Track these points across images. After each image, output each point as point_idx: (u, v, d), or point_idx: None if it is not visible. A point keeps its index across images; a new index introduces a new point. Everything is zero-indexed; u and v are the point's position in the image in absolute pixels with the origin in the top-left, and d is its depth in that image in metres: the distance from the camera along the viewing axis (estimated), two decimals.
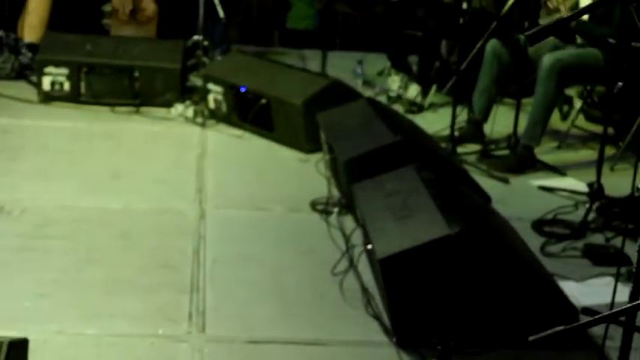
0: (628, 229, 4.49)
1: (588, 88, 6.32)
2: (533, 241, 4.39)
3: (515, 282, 3.33)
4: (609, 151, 5.76)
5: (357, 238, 4.10)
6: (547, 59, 5.46)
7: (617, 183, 4.91)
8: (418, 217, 3.52)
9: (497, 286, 3.33)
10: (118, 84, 6.19)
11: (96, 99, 6.19)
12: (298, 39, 8.81)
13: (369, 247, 3.59)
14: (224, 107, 5.97)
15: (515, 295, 3.34)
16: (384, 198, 3.82)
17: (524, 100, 5.95)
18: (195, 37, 6.52)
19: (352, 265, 3.96)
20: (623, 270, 4.09)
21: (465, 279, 3.32)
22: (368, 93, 6.66)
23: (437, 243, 3.29)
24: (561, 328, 1.97)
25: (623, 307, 1.86)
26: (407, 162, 4.12)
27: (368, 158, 4.37)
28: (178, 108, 6.13)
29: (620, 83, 1.67)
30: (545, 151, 5.92)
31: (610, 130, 5.83)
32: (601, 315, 1.91)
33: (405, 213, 3.60)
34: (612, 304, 2.58)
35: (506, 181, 5.35)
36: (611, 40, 5.09)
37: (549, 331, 1.95)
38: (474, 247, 3.29)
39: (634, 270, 2.22)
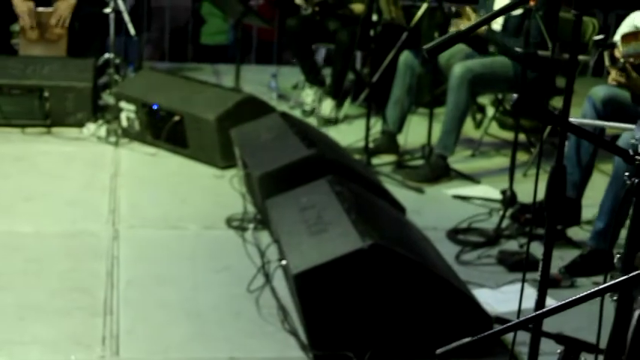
0: (539, 235, 4.57)
1: (500, 96, 6.40)
2: (449, 250, 4.43)
3: (427, 293, 3.35)
4: (522, 157, 5.85)
5: (272, 253, 4.07)
6: (457, 68, 5.52)
7: (530, 189, 4.97)
8: (332, 232, 3.51)
9: (410, 298, 3.34)
10: (28, 105, 6.08)
11: (6, 120, 6.07)
12: (212, 54, 8.78)
13: (284, 262, 3.57)
14: (137, 125, 5.90)
15: (429, 306, 3.35)
16: (297, 213, 3.82)
17: (438, 110, 6.00)
18: (107, 55, 6.43)
19: (268, 281, 3.94)
20: (534, 276, 4.16)
21: (379, 292, 3.33)
22: (283, 107, 6.66)
23: (350, 257, 3.29)
24: (468, 339, 1.98)
25: (528, 316, 1.88)
26: (321, 176, 4.12)
27: (282, 173, 4.36)
28: (90, 127, 6.05)
29: (514, 95, 1.69)
30: (460, 160, 5.98)
31: (522, 137, 5.92)
32: (506, 325, 1.92)
33: (319, 227, 3.59)
34: (519, 312, 2.60)
35: (420, 191, 5.39)
36: (519, 49, 5.16)
37: (456, 343, 1.96)
38: (387, 259, 3.29)
39: (539, 278, 2.24)
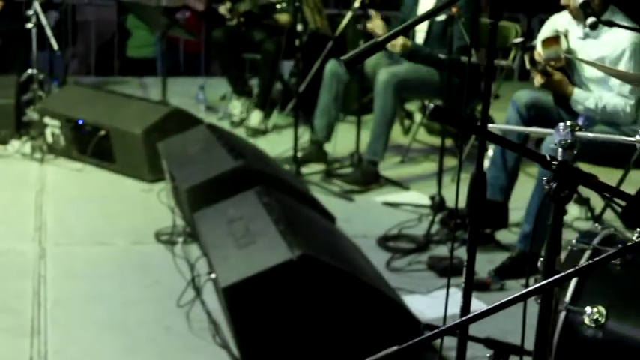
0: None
1: (427, 102, 6.45)
2: (379, 257, 4.44)
3: (357, 302, 3.35)
4: (450, 162, 5.89)
5: (202, 267, 4.04)
6: (382, 74, 5.56)
7: (459, 194, 5.01)
8: (260, 243, 3.50)
9: (340, 308, 3.34)
10: None
11: None
12: (139, 67, 8.72)
13: (213, 275, 3.55)
14: (62, 141, 5.83)
15: (359, 314, 3.35)
16: (225, 225, 3.79)
17: (366, 118, 6.03)
18: (30, 71, 6.34)
19: (198, 294, 3.91)
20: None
21: (309, 302, 3.32)
22: (211, 118, 6.64)
23: (279, 268, 3.27)
24: (395, 348, 1.98)
25: (453, 323, 1.88)
26: (248, 187, 4.10)
27: (209, 185, 4.33)
28: (15, 144, 5.96)
29: (431, 105, 1.70)
30: (389, 167, 6.01)
31: (450, 142, 5.98)
32: (432, 332, 1.92)
33: (247, 239, 3.57)
34: (445, 318, 2.61)
35: (350, 199, 5.40)
36: (442, 56, 5.21)
37: (383, 353, 1.96)
38: (316, 270, 3.29)
39: (463, 284, 2.25)
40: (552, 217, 1.94)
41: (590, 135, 2.36)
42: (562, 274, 1.82)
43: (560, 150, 2.23)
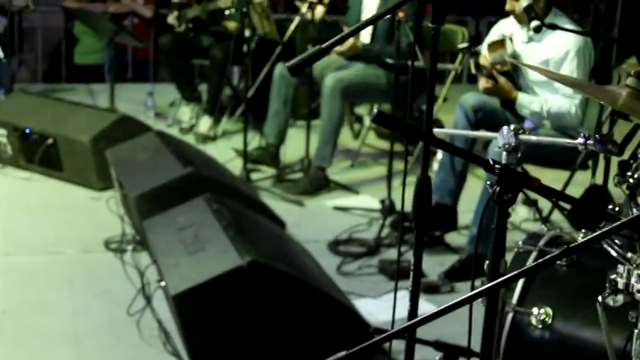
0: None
1: (376, 106, 6.47)
2: (330, 262, 4.45)
3: (307, 307, 3.36)
4: (400, 166, 5.91)
5: (152, 275, 4.02)
6: (329, 79, 5.58)
7: (408, 197, 5.03)
8: (210, 250, 3.49)
9: (291, 313, 3.34)
10: None
11: None
12: (87, 74, 8.64)
13: (163, 283, 3.53)
14: (9, 150, 5.77)
15: (310, 319, 3.36)
16: (175, 233, 3.78)
17: (316, 122, 6.04)
18: None
19: (148, 303, 3.89)
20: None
21: (260, 308, 3.32)
22: (160, 125, 6.61)
23: (229, 275, 3.27)
24: (343, 353, 1.98)
25: (401, 327, 1.89)
26: (198, 194, 4.09)
27: (158, 193, 4.31)
28: None
29: (374, 110, 1.72)
30: (339, 171, 6.03)
31: (400, 146, 6.00)
32: (381, 336, 1.93)
33: (197, 247, 3.56)
34: (393, 321, 2.63)
35: (300, 203, 5.41)
36: (389, 60, 5.23)
37: (331, 358, 1.96)
38: (265, 276, 3.29)
39: (410, 288, 2.27)
40: (496, 220, 1.95)
41: (534, 138, 2.38)
42: (507, 276, 1.84)
43: (504, 153, 2.25)
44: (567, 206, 4.54)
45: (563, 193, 1.93)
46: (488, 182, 1.96)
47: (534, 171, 4.89)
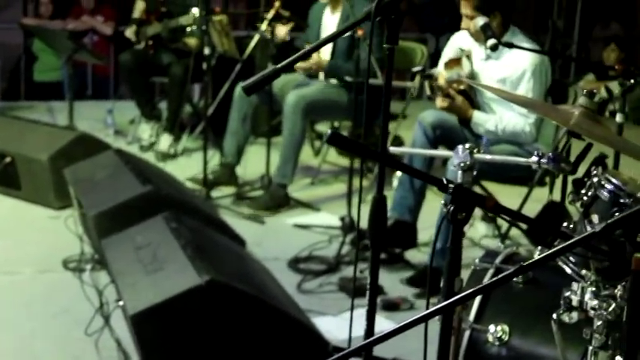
0: (381, 260, 4.63)
1: (336, 123, 6.49)
2: (290, 280, 4.45)
3: (267, 326, 3.34)
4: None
5: (111, 294, 3.99)
6: (291, 97, 5.58)
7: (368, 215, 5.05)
8: (168, 269, 3.47)
9: (250, 332, 3.33)
10: None
11: None
12: (46, 91, 8.60)
13: (121, 303, 3.51)
14: None
15: (269, 338, 3.35)
16: (133, 252, 3.75)
17: (276, 140, 6.04)
18: None
19: (107, 323, 3.86)
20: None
21: (219, 328, 3.30)
22: (120, 143, 6.58)
23: (188, 294, 3.24)
24: None
25: (357, 346, 1.89)
26: (157, 213, 4.07)
27: (117, 211, 4.28)
28: None
29: (328, 131, 1.73)
30: (300, 188, 6.03)
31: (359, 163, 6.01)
32: (338, 355, 1.93)
33: (156, 266, 3.54)
34: (350, 339, 2.63)
35: (261, 221, 5.40)
36: (349, 78, 5.26)
37: None
38: (224, 295, 3.27)
39: (367, 306, 2.27)
40: (451, 239, 1.96)
41: (488, 157, 2.40)
42: (460, 295, 1.85)
43: (459, 172, 2.26)
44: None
45: (516, 212, 1.95)
46: (442, 202, 1.97)
47: (494, 188, 4.93)
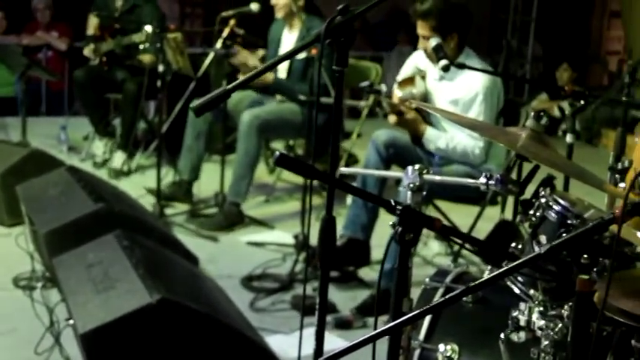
0: (331, 277, 4.65)
1: (291, 141, 6.51)
2: (243, 298, 4.45)
3: (219, 345, 3.33)
4: (316, 201, 5.95)
5: (62, 313, 3.96)
6: (246, 116, 5.59)
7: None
8: (119, 288, 3.44)
9: (202, 351, 3.32)
10: None
11: None
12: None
13: (72, 322, 3.48)
14: None
15: (221, 357, 3.34)
16: (84, 270, 3.72)
17: (230, 157, 6.04)
18: None
19: (57, 341, 3.83)
20: (329, 318, 4.24)
21: (171, 346, 3.28)
22: (74, 159, 6.54)
23: (138, 313, 3.22)
24: None
25: None
26: (109, 230, 4.04)
27: (69, 229, 4.24)
28: None
29: (277, 153, 1.74)
30: (254, 206, 6.03)
31: (315, 182, 6.02)
32: None
33: (107, 284, 3.52)
34: (299, 358, 2.63)
35: (215, 239, 5.39)
36: (302, 97, 5.28)
37: None
38: (176, 314, 3.26)
39: (317, 323, 2.27)
40: (398, 261, 1.98)
41: (437, 178, 2.42)
42: (410, 315, 1.86)
43: (408, 193, 2.28)
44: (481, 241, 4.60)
45: (463, 233, 1.97)
46: (390, 223, 1.99)
47: (447, 206, 4.97)
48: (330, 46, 2.07)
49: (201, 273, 4.28)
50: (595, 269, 2.23)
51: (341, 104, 2.17)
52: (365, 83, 4.78)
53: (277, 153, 1.77)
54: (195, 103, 2.02)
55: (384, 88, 4.58)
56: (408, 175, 2.29)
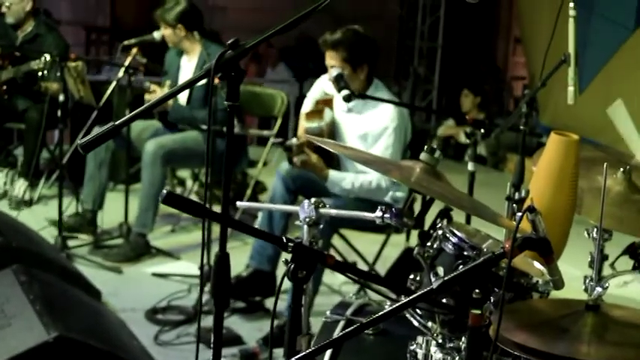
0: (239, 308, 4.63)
1: (197, 170, 6.45)
2: (147, 331, 4.38)
3: None
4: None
5: None
6: (149, 145, 5.53)
7: (231, 262, 5.00)
8: (15, 325, 3.35)
9: None
10: None
11: None
12: None
13: None
14: None
15: None
16: None
17: (135, 187, 5.96)
18: None
19: None
20: (235, 351, 4.21)
21: None
22: None
23: (35, 351, 3.14)
24: None
25: None
26: (6, 265, 3.94)
27: None
28: None
29: (164, 192, 1.71)
30: (160, 236, 5.95)
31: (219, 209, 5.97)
32: None
33: (3, 322, 3.42)
34: None
35: (119, 271, 5.30)
36: (204, 126, 5.26)
37: None
38: (74, 351, 3.18)
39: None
40: (292, 298, 1.96)
41: (333, 212, 2.40)
42: (305, 352, 1.84)
43: (305, 227, 2.27)
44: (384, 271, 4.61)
45: (355, 267, 1.96)
46: (282, 259, 1.96)
47: (353, 235, 4.96)
48: (221, 80, 2.05)
49: (103, 307, 4.20)
50: (492, 300, 2.25)
51: (233, 141, 2.14)
52: (277, 140, 4.76)
53: (164, 192, 1.74)
54: (82, 140, 1.98)
55: (294, 141, 4.51)
56: (304, 209, 2.27)
